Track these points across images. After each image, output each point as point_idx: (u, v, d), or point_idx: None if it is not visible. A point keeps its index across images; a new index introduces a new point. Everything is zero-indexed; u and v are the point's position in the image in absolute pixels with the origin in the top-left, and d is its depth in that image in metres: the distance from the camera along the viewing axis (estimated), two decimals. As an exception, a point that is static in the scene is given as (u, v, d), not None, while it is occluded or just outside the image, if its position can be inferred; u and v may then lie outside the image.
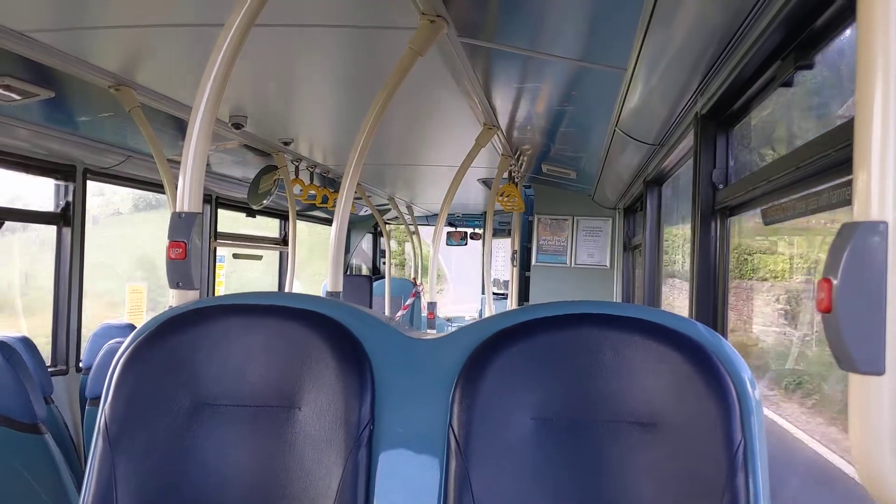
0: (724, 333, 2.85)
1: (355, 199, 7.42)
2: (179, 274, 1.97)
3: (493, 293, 8.63)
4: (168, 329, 1.71)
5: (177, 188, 2.05)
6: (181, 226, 1.97)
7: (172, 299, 2.02)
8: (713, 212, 2.89)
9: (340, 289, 3.20)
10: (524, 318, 1.67)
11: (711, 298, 2.86)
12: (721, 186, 2.86)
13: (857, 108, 0.98)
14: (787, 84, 2.19)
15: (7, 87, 3.30)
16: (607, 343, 1.59)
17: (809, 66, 2.02)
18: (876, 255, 0.95)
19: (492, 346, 1.63)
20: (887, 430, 0.96)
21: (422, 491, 1.59)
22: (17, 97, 3.43)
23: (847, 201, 1.67)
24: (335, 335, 1.68)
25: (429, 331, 5.91)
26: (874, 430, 0.96)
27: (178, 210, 1.98)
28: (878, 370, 0.95)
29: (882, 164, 0.95)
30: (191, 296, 1.99)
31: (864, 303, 0.96)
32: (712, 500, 1.46)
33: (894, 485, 0.97)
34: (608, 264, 7.30)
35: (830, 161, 1.78)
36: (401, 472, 1.62)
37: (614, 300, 7.04)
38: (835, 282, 0.97)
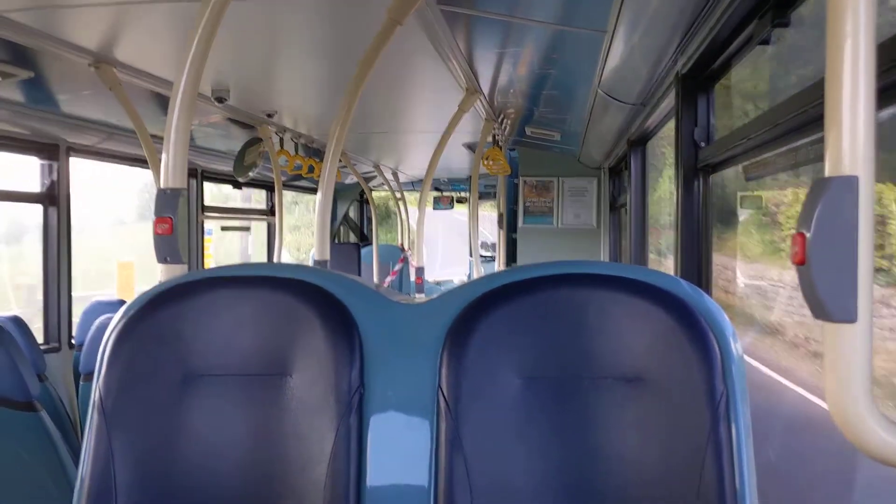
0: (708, 288, 2.90)
1: (341, 167, 7.42)
2: (167, 249, 1.99)
3: (481, 256, 8.65)
4: (158, 303, 1.73)
5: (161, 164, 2.07)
6: (167, 201, 1.98)
7: (161, 274, 2.04)
8: (696, 170, 2.93)
9: (327, 257, 3.23)
10: (509, 280, 1.70)
11: (696, 255, 2.90)
12: (703, 145, 2.89)
13: (827, 67, 1.01)
14: (765, 42, 2.21)
15: None
16: (592, 301, 1.63)
17: (786, 24, 2.05)
18: (847, 209, 0.99)
19: (478, 307, 1.67)
20: (859, 375, 1.00)
21: (413, 452, 1.63)
22: None
23: (822, 157, 1.71)
24: (322, 303, 1.71)
25: (417, 295, 5.95)
26: (847, 376, 1.01)
27: (162, 186, 1.99)
28: (850, 318, 0.99)
29: (852, 121, 0.98)
30: (178, 270, 2.01)
31: (836, 255, 1.00)
32: (697, 450, 1.51)
33: (868, 427, 1.01)
34: (595, 224, 7.32)
35: (806, 118, 1.81)
36: (392, 435, 1.66)
37: (602, 260, 7.09)
38: (808, 235, 1.01)
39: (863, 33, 0.98)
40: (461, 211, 11.95)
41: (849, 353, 1.01)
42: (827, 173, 1.01)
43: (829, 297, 1.00)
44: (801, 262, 1.02)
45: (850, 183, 0.99)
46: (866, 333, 1.00)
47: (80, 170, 5.15)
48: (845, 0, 0.98)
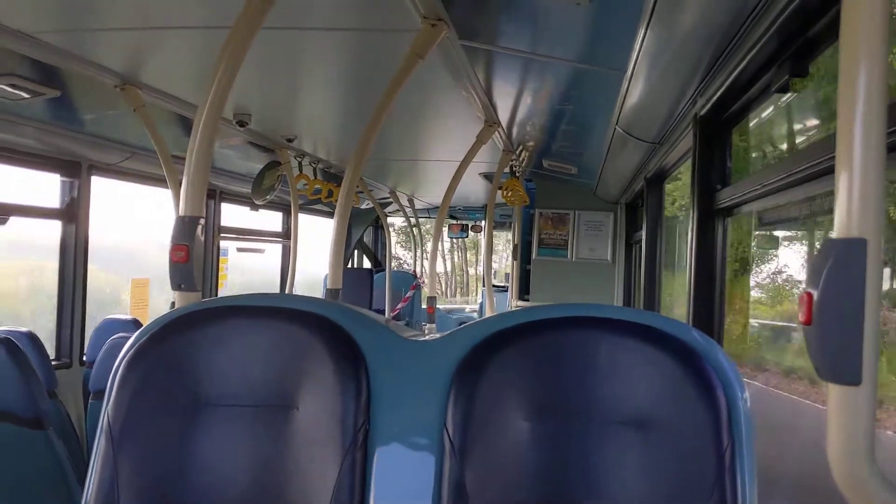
0: (719, 336, 2.89)
1: (358, 192, 7.45)
2: (182, 276, 2.00)
3: (494, 286, 8.63)
4: (170, 330, 1.74)
5: (180, 186, 2.09)
6: (184, 229, 2.00)
7: (175, 299, 2.06)
8: (712, 213, 2.92)
9: (340, 286, 3.23)
10: (520, 321, 1.70)
11: (709, 301, 2.89)
12: (720, 187, 2.89)
13: (838, 129, 1.01)
14: (783, 90, 2.22)
15: (14, 86, 3.33)
16: (601, 346, 1.62)
17: (803, 74, 2.06)
18: (854, 271, 0.99)
19: (487, 347, 1.67)
20: (862, 437, 1.00)
21: (416, 491, 1.63)
22: (25, 95, 3.47)
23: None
24: (332, 336, 1.71)
25: (427, 325, 5.95)
26: (851, 437, 1.00)
27: (181, 214, 2.01)
28: (855, 381, 0.99)
29: (862, 184, 0.98)
30: (192, 297, 2.02)
31: (842, 316, 1.00)
32: (701, 498, 1.50)
33: (870, 489, 1.01)
34: (610, 259, 7.30)
35: (821, 169, 1.82)
36: (396, 472, 1.65)
37: (615, 295, 7.06)
38: (815, 295, 1.01)
39: (875, 94, 0.98)
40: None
41: (852, 415, 1.00)
42: (835, 234, 1.01)
43: (834, 359, 1.00)
44: (807, 322, 1.02)
45: (859, 245, 0.99)
46: (870, 396, 0.99)
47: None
48: (857, 60, 0.99)
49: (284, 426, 1.67)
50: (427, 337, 1.86)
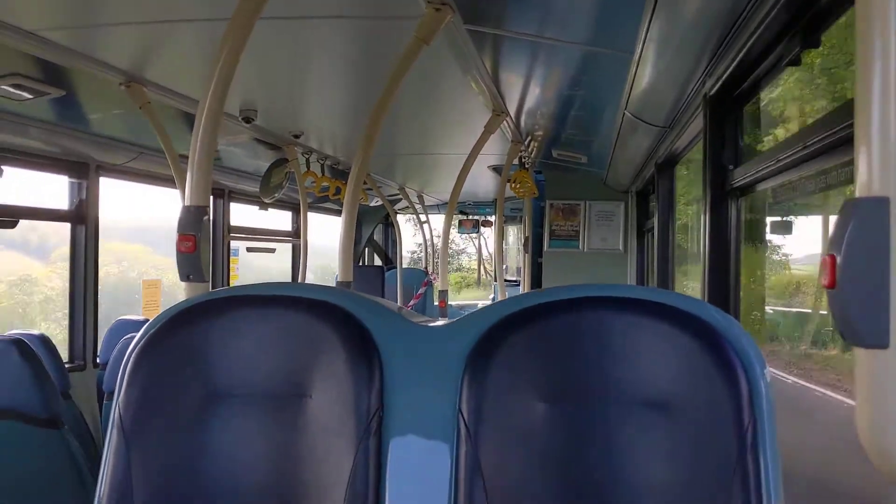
0: (736, 314, 2.85)
1: (366, 189, 7.44)
2: (190, 267, 1.99)
3: (506, 280, 8.61)
4: (180, 321, 1.72)
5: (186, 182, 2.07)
6: (191, 219, 1.98)
7: (184, 292, 2.04)
8: (725, 193, 2.89)
9: (351, 278, 3.22)
10: (532, 303, 1.67)
11: (724, 280, 2.86)
12: (732, 167, 2.85)
13: (857, 86, 0.98)
14: (794, 63, 2.18)
15: (18, 86, 3.33)
16: (616, 325, 1.59)
17: (816, 45, 2.02)
18: (878, 231, 0.95)
19: (500, 330, 1.64)
20: (893, 402, 0.96)
21: (432, 477, 1.60)
22: (29, 95, 3.46)
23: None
24: (343, 324, 1.69)
25: (440, 318, 5.91)
26: (880, 403, 0.97)
27: (187, 204, 1.99)
28: (883, 343, 0.96)
29: (882, 141, 0.95)
30: (201, 288, 2.00)
31: (867, 278, 0.96)
32: (723, 479, 1.47)
33: None
34: (622, 248, 7.27)
35: (837, 139, 1.78)
36: (411, 459, 1.63)
37: (628, 284, 7.02)
38: (838, 258, 0.98)
39: (893, 51, 0.95)
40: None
41: (882, 379, 0.97)
42: (857, 193, 0.98)
43: (860, 321, 0.97)
44: (831, 286, 0.99)
45: (881, 204, 0.95)
46: None
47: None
48: (874, 17, 0.96)
49: (298, 415, 1.65)
50: (439, 322, 1.84)
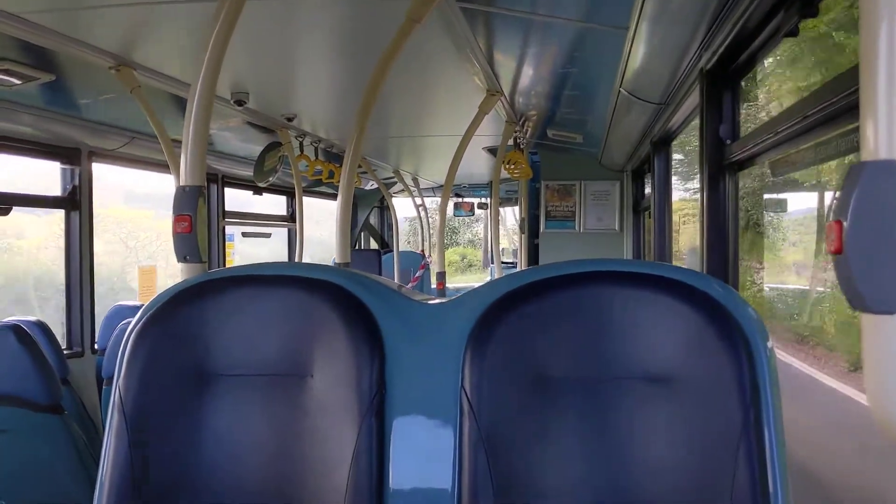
0: (735, 288, 2.84)
1: (361, 172, 7.41)
2: (186, 248, 1.97)
3: (503, 263, 8.60)
4: (177, 302, 1.71)
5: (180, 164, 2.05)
6: (185, 199, 1.96)
7: (181, 273, 2.03)
8: (722, 168, 2.87)
9: (348, 260, 3.21)
10: (532, 279, 1.66)
11: (723, 254, 2.85)
12: (729, 142, 2.83)
13: (861, 48, 0.96)
14: (792, 34, 2.16)
15: (6, 72, 3.29)
16: (618, 299, 1.58)
17: (814, 14, 2.00)
18: (885, 195, 0.94)
19: (501, 306, 1.63)
20: None
21: (436, 454, 1.60)
22: (17, 81, 3.43)
23: (856, 148, 1.65)
24: (343, 303, 1.68)
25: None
26: (887, 369, 0.96)
27: (181, 184, 1.97)
28: (891, 309, 0.94)
29: (889, 104, 0.93)
30: (198, 269, 1.99)
31: (874, 243, 0.95)
32: (727, 452, 1.46)
33: None
34: (618, 228, 7.26)
35: (838, 108, 1.76)
36: (414, 437, 1.62)
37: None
38: (845, 223, 0.96)
39: None
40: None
41: (889, 345, 0.95)
42: (863, 157, 0.96)
43: (867, 288, 0.95)
44: (837, 252, 0.97)
45: (889, 167, 0.93)
46: None
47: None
48: None
49: (299, 395, 1.64)
50: (439, 300, 1.82)
